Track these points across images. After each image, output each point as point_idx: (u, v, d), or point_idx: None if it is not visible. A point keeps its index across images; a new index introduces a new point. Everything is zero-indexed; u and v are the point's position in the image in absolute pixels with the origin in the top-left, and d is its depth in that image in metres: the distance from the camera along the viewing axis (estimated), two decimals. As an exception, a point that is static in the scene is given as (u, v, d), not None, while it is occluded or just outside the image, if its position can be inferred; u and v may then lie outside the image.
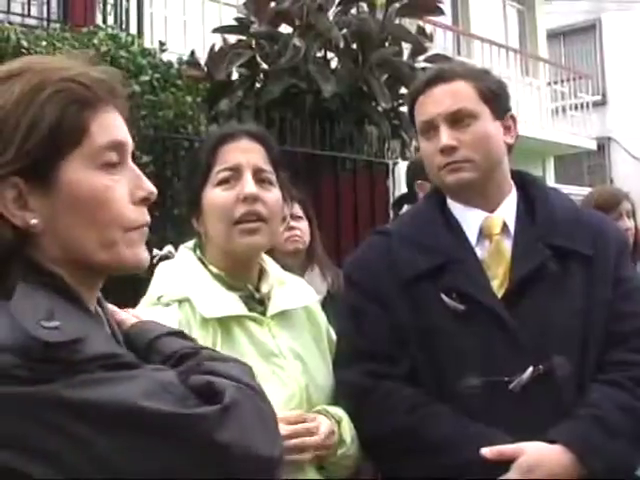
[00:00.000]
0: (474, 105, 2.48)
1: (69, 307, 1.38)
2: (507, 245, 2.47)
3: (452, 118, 2.47)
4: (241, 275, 2.38)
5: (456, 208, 2.54)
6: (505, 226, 2.49)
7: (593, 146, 20.19)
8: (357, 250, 2.69)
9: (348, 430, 2.36)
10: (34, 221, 1.39)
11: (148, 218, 1.52)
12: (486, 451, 2.23)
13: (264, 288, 2.41)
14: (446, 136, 2.46)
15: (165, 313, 2.20)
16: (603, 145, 21.76)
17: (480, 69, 2.61)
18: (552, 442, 2.25)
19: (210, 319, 2.24)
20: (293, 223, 4.54)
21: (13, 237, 1.39)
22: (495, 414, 2.31)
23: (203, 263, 2.38)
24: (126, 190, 1.48)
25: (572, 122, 19.94)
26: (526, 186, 2.59)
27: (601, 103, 22.16)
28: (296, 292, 2.49)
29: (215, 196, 2.32)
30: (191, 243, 2.46)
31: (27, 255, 1.41)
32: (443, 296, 2.39)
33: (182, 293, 2.27)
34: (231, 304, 2.29)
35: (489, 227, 2.49)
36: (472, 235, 2.49)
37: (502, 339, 2.34)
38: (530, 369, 2.31)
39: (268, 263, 2.48)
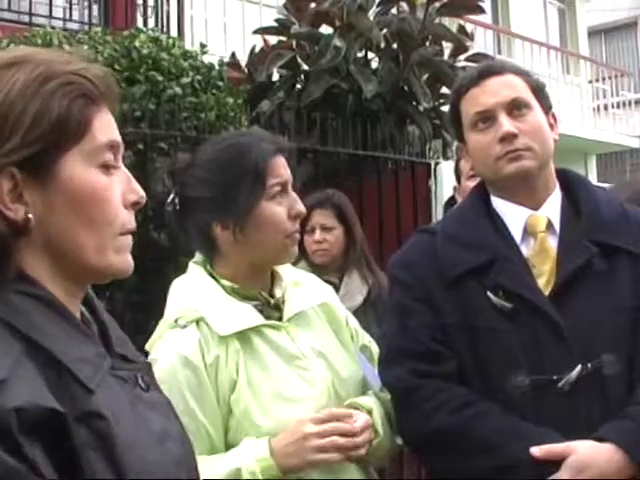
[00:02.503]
0: (529, 96, 2.49)
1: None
2: (552, 243, 2.46)
3: (510, 106, 2.47)
4: (255, 283, 2.40)
5: (500, 206, 2.53)
6: (550, 224, 2.48)
7: (636, 144, 20.07)
8: (402, 249, 2.68)
9: (379, 420, 2.39)
10: (30, 215, 1.34)
11: (134, 224, 1.48)
12: (535, 450, 2.22)
13: (278, 292, 2.43)
14: (508, 124, 2.45)
15: (183, 335, 2.24)
16: (646, 143, 21.59)
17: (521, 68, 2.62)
18: (601, 441, 2.24)
19: (228, 335, 2.26)
20: (321, 235, 4.55)
21: (7, 231, 1.32)
22: (543, 412, 2.31)
23: (214, 277, 2.39)
24: (120, 192, 1.45)
25: (614, 120, 19.84)
26: (570, 184, 2.58)
27: (643, 101, 22.01)
28: (310, 291, 2.52)
29: (274, 211, 2.34)
30: (200, 258, 2.46)
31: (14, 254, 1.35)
32: (490, 294, 2.38)
33: (196, 313, 2.28)
34: (246, 316, 2.31)
35: (534, 225, 2.48)
36: (517, 233, 2.48)
37: (550, 337, 2.33)
38: (578, 367, 2.29)
39: (281, 266, 2.50)
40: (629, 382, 2.33)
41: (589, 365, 2.30)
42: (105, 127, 1.43)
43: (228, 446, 2.24)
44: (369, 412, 2.37)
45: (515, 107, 2.47)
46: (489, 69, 2.54)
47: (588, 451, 2.22)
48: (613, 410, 2.29)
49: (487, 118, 2.49)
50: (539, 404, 2.31)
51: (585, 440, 2.24)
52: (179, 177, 2.39)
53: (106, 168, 1.42)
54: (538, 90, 2.52)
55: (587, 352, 2.32)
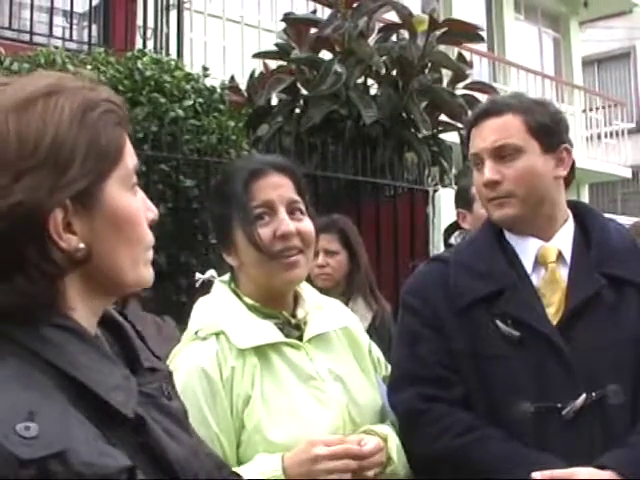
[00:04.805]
0: (520, 140, 2.49)
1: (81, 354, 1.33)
2: (563, 273, 2.49)
3: (496, 153, 2.50)
4: (276, 304, 2.40)
5: (512, 236, 2.56)
6: (561, 255, 2.51)
7: (628, 174, 20.13)
8: (415, 277, 2.71)
9: (394, 448, 2.37)
10: (81, 245, 1.35)
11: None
12: (537, 475, 2.22)
13: (300, 313, 2.43)
14: (488, 171, 2.50)
15: (202, 347, 2.26)
16: (638, 173, 21.66)
17: (536, 101, 2.60)
18: (603, 469, 2.24)
19: (246, 349, 2.27)
20: (324, 259, 4.57)
21: (65, 262, 1.33)
22: (547, 440, 2.32)
23: (237, 295, 2.40)
24: (143, 211, 1.49)
25: (606, 150, 19.90)
26: (582, 216, 2.60)
27: (636, 130, 22.11)
28: (333, 314, 2.51)
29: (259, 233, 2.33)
30: (226, 276, 2.48)
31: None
32: (498, 322, 2.41)
33: (217, 326, 2.29)
34: (265, 332, 2.31)
35: (544, 255, 2.51)
36: (528, 263, 2.51)
37: (556, 366, 2.35)
38: (583, 396, 2.31)
39: (304, 288, 2.50)
40: (633, 412, 2.35)
41: (594, 394, 2.32)
42: (131, 151, 1.46)
43: (239, 460, 2.24)
44: (384, 439, 2.35)
45: (502, 154, 2.49)
46: (487, 110, 2.56)
47: (589, 477, 2.22)
48: (616, 439, 2.31)
49: (479, 160, 2.55)
50: (543, 431, 2.33)
51: (586, 467, 2.24)
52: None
53: (134, 190, 1.46)
54: (540, 129, 2.50)
55: (592, 381, 2.34)
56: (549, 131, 2.52)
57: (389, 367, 2.62)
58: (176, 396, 1.58)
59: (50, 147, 1.31)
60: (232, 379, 2.24)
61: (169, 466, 1.39)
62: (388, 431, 2.40)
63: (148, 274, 1.50)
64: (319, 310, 2.47)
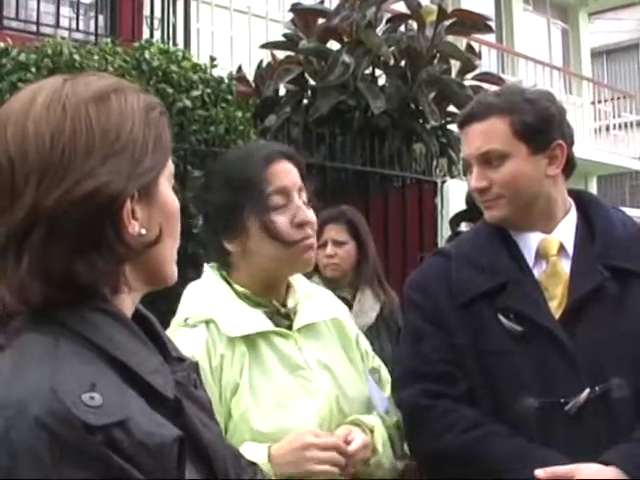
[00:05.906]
0: (505, 145, 2.45)
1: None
2: (565, 266, 2.47)
3: (482, 159, 2.48)
4: (268, 292, 2.40)
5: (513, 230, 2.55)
6: (562, 247, 2.49)
7: (636, 166, 20.10)
8: (417, 271, 2.71)
9: (380, 439, 2.38)
10: (143, 230, 1.40)
11: None
12: (540, 472, 2.22)
13: (290, 303, 2.43)
14: (475, 179, 2.50)
15: (192, 335, 2.25)
16: (646, 165, 21.63)
17: (525, 97, 2.51)
18: (606, 464, 2.23)
19: (235, 338, 2.27)
20: (333, 249, 4.59)
21: (135, 246, 1.39)
22: (551, 435, 2.32)
23: (228, 282, 2.39)
24: None
25: (615, 142, 19.89)
26: (585, 206, 2.58)
27: (644, 122, 22.05)
28: (323, 305, 2.51)
29: (276, 220, 2.32)
30: (215, 263, 2.47)
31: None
32: (501, 317, 2.40)
33: (207, 314, 2.29)
34: (255, 321, 2.32)
35: (545, 248, 2.49)
36: (529, 256, 2.50)
37: (559, 360, 2.34)
38: (587, 390, 2.30)
39: (296, 279, 2.49)
40: (637, 406, 2.34)
41: (597, 388, 2.31)
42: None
43: None
44: (371, 430, 2.37)
45: (487, 159, 2.48)
46: (471, 114, 2.54)
47: (592, 473, 2.21)
48: (621, 434, 2.30)
49: (469, 165, 2.55)
50: (547, 427, 2.32)
51: (590, 463, 2.23)
52: (197, 200, 2.42)
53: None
54: (526, 130, 2.46)
55: (596, 376, 2.33)
56: (537, 131, 2.47)
57: (376, 359, 2.62)
58: (202, 385, 1.62)
59: (128, 138, 1.39)
60: (221, 368, 2.24)
61: (204, 449, 1.43)
62: (375, 422, 2.40)
63: (176, 271, 1.54)
64: (309, 300, 2.46)
